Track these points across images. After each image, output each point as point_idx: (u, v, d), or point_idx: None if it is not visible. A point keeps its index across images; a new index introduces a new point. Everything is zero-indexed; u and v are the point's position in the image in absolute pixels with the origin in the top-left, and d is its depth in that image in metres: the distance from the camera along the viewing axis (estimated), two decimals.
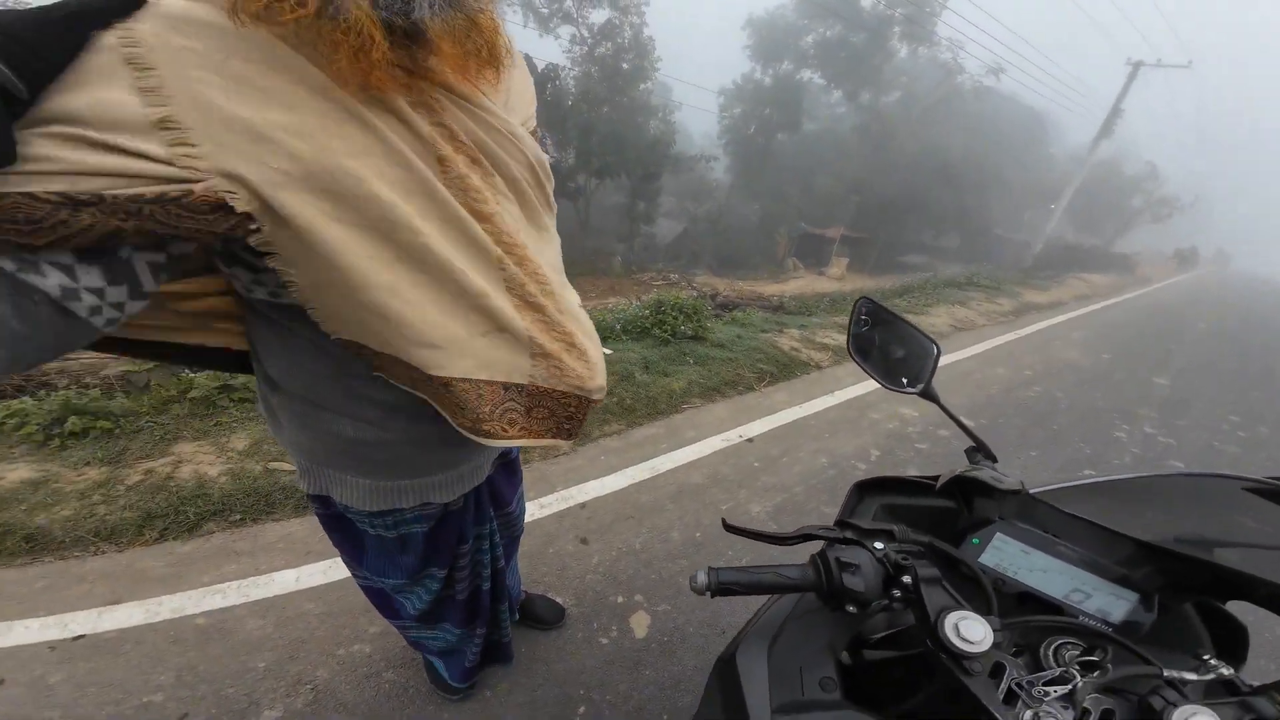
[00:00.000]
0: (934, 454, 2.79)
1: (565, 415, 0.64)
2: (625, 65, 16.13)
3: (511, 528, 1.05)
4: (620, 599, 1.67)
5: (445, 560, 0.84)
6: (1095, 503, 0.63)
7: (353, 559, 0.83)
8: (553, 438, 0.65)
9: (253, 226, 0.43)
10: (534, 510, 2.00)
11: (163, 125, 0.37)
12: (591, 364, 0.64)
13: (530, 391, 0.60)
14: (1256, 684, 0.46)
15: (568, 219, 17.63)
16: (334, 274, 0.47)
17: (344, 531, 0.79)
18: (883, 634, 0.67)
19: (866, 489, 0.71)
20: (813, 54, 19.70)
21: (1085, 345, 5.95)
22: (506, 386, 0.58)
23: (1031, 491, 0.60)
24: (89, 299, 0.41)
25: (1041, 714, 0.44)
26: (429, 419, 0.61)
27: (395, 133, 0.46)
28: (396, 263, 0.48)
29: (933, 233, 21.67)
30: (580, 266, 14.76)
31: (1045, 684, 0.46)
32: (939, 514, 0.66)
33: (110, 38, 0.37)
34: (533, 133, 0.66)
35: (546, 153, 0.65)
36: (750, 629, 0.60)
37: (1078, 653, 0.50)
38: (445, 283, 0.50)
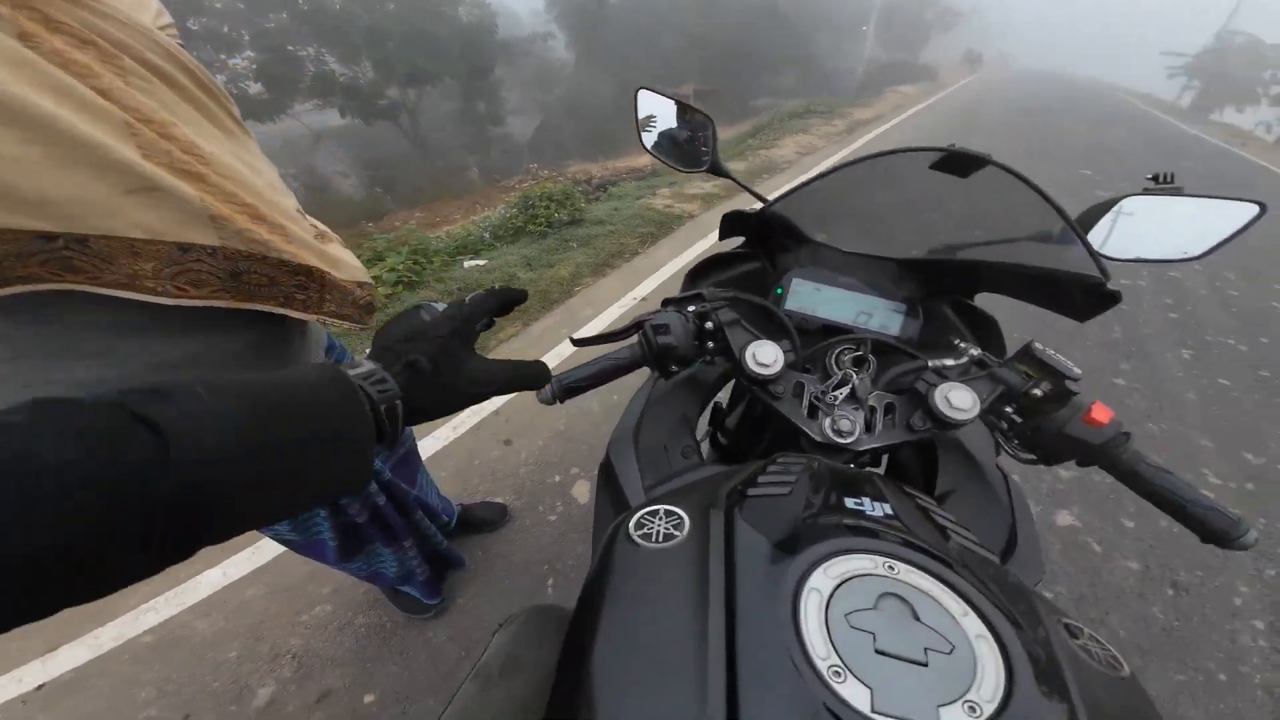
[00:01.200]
0: None
1: (296, 285, 0.61)
2: None
3: (391, 449, 1.03)
4: (557, 478, 1.74)
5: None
6: (833, 208, 0.66)
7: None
8: (282, 307, 0.60)
9: None
10: (447, 434, 1.94)
11: None
12: (307, 249, 0.62)
13: (228, 254, 0.55)
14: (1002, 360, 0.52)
15: (394, 141, 15.06)
16: None
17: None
18: (741, 406, 0.75)
19: (697, 273, 0.76)
20: None
21: (901, 142, 6.70)
22: (184, 247, 0.52)
23: (771, 199, 0.64)
24: None
25: (836, 418, 0.49)
26: (231, 328, 0.56)
27: None
28: None
29: (772, 74, 21.82)
30: (431, 191, 12.99)
31: (834, 389, 0.50)
32: (758, 276, 0.73)
33: None
34: None
35: None
36: (617, 430, 0.63)
37: (850, 358, 0.56)
38: (58, 137, 0.44)
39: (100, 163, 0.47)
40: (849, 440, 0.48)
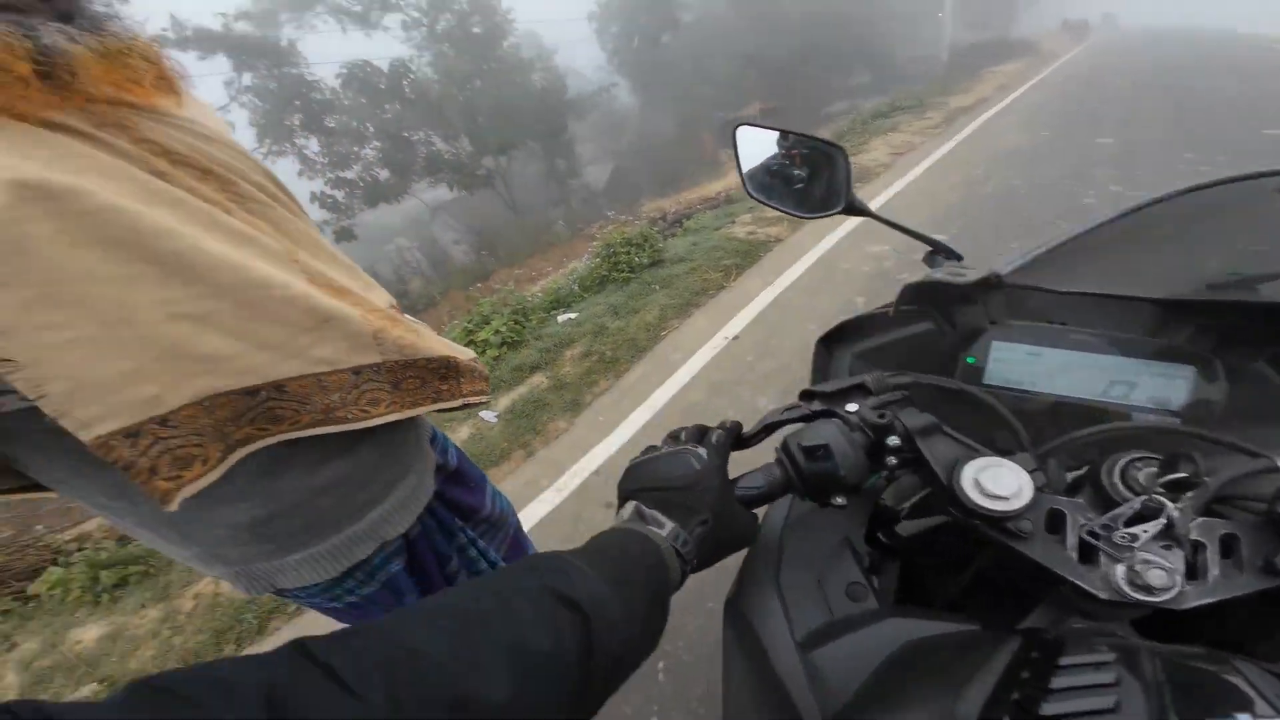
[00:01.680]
0: (914, 279, 2.75)
1: (439, 378, 0.62)
2: (476, 30, 14.77)
3: (500, 529, 0.96)
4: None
5: (439, 583, 0.76)
6: (1088, 267, 0.51)
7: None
8: (434, 402, 0.61)
9: None
10: (552, 498, 1.97)
11: None
12: (431, 337, 0.63)
13: (389, 367, 0.56)
14: None
15: (493, 206, 16.81)
16: (72, 313, 0.38)
17: (340, 612, 0.70)
18: (917, 498, 0.53)
19: (831, 342, 0.62)
20: None
21: (1022, 129, 5.88)
22: (357, 370, 0.53)
23: (1002, 273, 0.48)
24: None
25: (1138, 565, 0.31)
26: (320, 457, 0.55)
27: (95, 150, 0.41)
28: (159, 281, 0.41)
29: (842, 76, 20.94)
30: (527, 248, 14.17)
31: (1127, 524, 0.33)
32: (922, 342, 0.55)
33: None
34: None
35: None
36: (748, 558, 0.49)
37: (1155, 469, 0.36)
38: (238, 286, 0.44)
39: (283, 302, 0.47)
40: (1164, 597, 0.31)
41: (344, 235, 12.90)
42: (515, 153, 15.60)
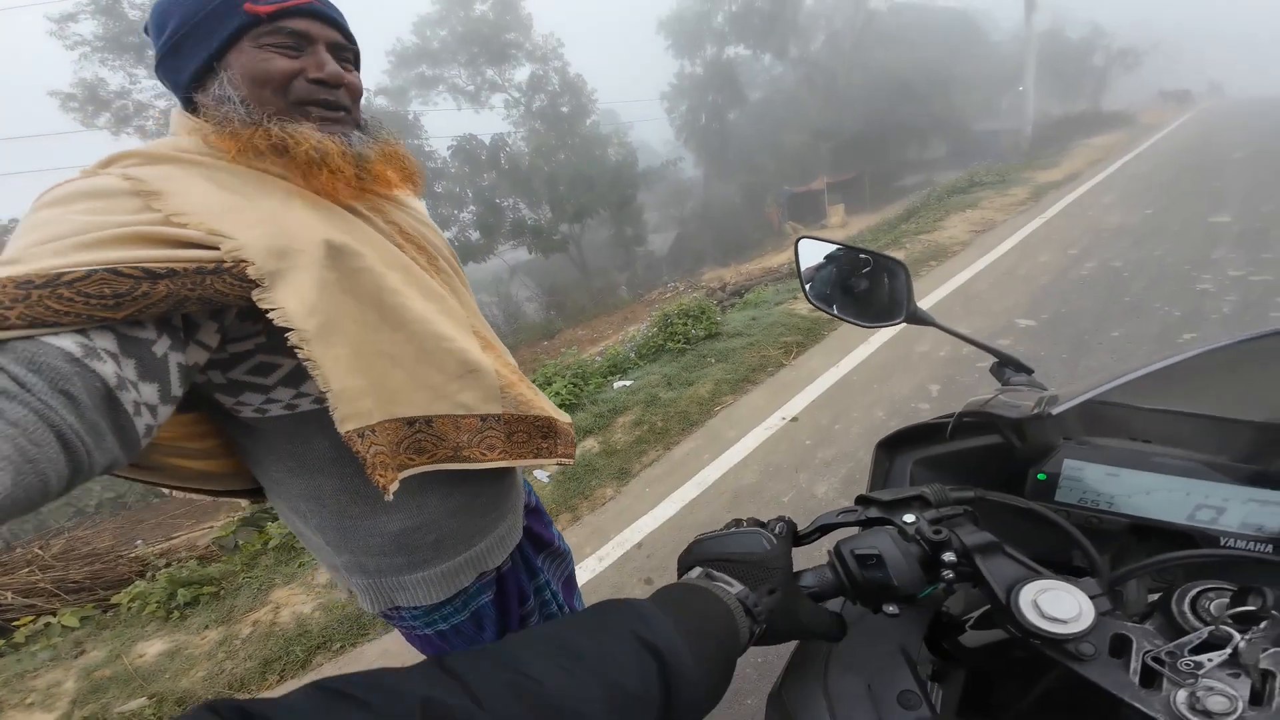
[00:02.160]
0: None
1: (541, 436, 0.72)
2: (564, 109, 16.69)
3: (563, 566, 1.02)
4: None
5: (514, 622, 0.83)
6: (1173, 386, 0.49)
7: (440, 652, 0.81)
8: (534, 457, 0.71)
9: (265, 296, 0.48)
10: (594, 565, 1.92)
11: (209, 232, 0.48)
12: (541, 398, 0.74)
13: (506, 419, 0.67)
14: None
15: (565, 268, 18.01)
16: (345, 344, 0.53)
17: (425, 640, 0.78)
18: (980, 611, 0.51)
19: (893, 447, 0.60)
20: (728, 31, 19.95)
21: (1123, 205, 5.45)
22: (484, 417, 0.64)
23: (1053, 413, 0.46)
24: (131, 392, 0.43)
25: (1199, 691, 0.31)
26: (453, 485, 0.67)
27: (364, 224, 0.59)
28: (380, 327, 0.56)
29: (917, 148, 20.94)
30: (592, 309, 14.91)
31: (1192, 651, 0.33)
32: (993, 452, 0.52)
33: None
34: None
35: None
36: (797, 651, 0.48)
37: (1226, 599, 0.36)
38: (423, 336, 0.59)
39: (448, 353, 0.60)
40: None
41: None
42: (588, 220, 16.85)
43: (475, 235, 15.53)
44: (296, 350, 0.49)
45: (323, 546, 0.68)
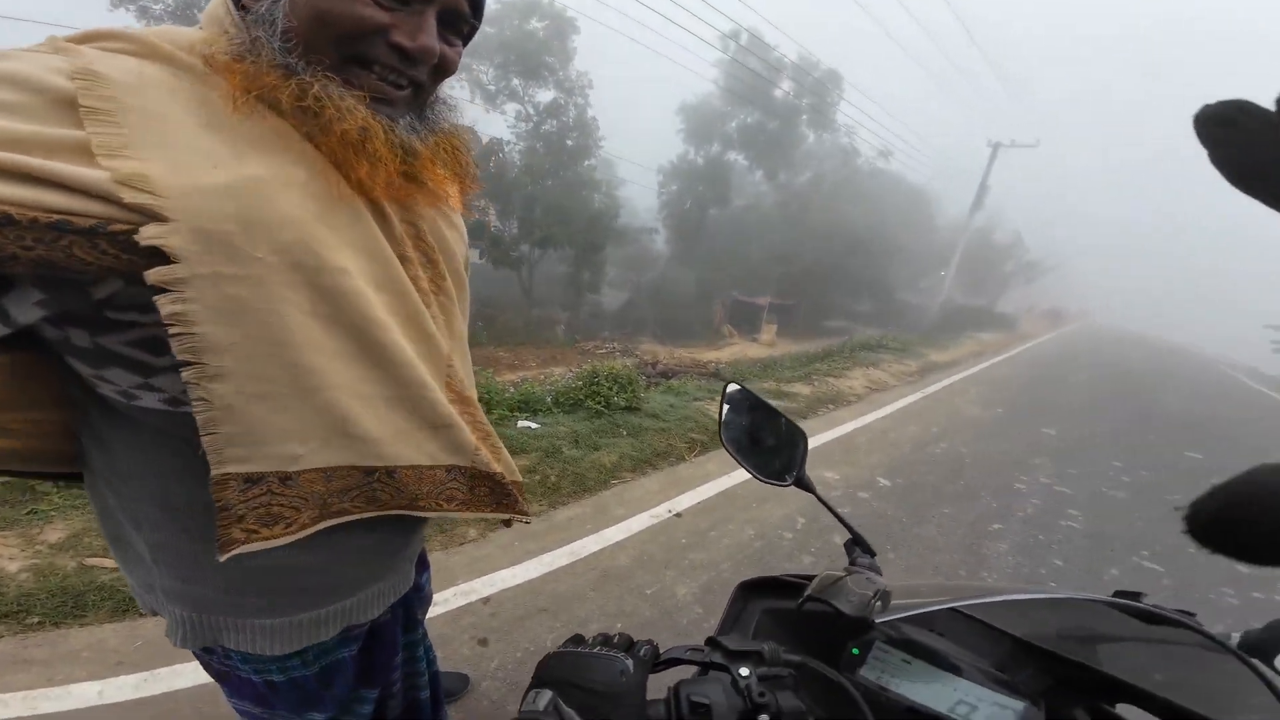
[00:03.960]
0: (856, 517, 2.86)
1: (504, 494, 0.65)
2: (570, 142, 17.23)
3: (426, 607, 0.95)
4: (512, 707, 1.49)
5: (380, 679, 0.72)
6: (963, 621, 0.60)
7: (260, 704, 0.65)
8: (492, 511, 0.65)
9: (177, 300, 0.38)
10: (429, 611, 1.81)
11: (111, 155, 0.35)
12: (504, 458, 0.67)
13: (471, 473, 0.60)
14: None
15: (511, 287, 17.72)
16: (282, 373, 0.42)
17: (243, 681, 0.63)
18: None
19: (751, 591, 0.66)
20: (737, 137, 22.24)
21: (982, 400, 6.59)
22: (449, 469, 0.58)
23: (876, 621, 0.55)
24: None
25: None
26: (365, 527, 0.56)
27: (377, 226, 0.48)
28: (356, 360, 0.47)
29: (849, 298, 23.95)
30: (522, 335, 14.67)
31: None
32: (827, 619, 0.60)
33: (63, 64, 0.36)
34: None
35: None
36: None
37: None
38: (400, 380, 0.50)
39: (420, 401, 0.52)
40: None
41: None
42: (551, 250, 17.00)
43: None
44: (188, 388, 0.40)
45: (144, 561, 0.54)
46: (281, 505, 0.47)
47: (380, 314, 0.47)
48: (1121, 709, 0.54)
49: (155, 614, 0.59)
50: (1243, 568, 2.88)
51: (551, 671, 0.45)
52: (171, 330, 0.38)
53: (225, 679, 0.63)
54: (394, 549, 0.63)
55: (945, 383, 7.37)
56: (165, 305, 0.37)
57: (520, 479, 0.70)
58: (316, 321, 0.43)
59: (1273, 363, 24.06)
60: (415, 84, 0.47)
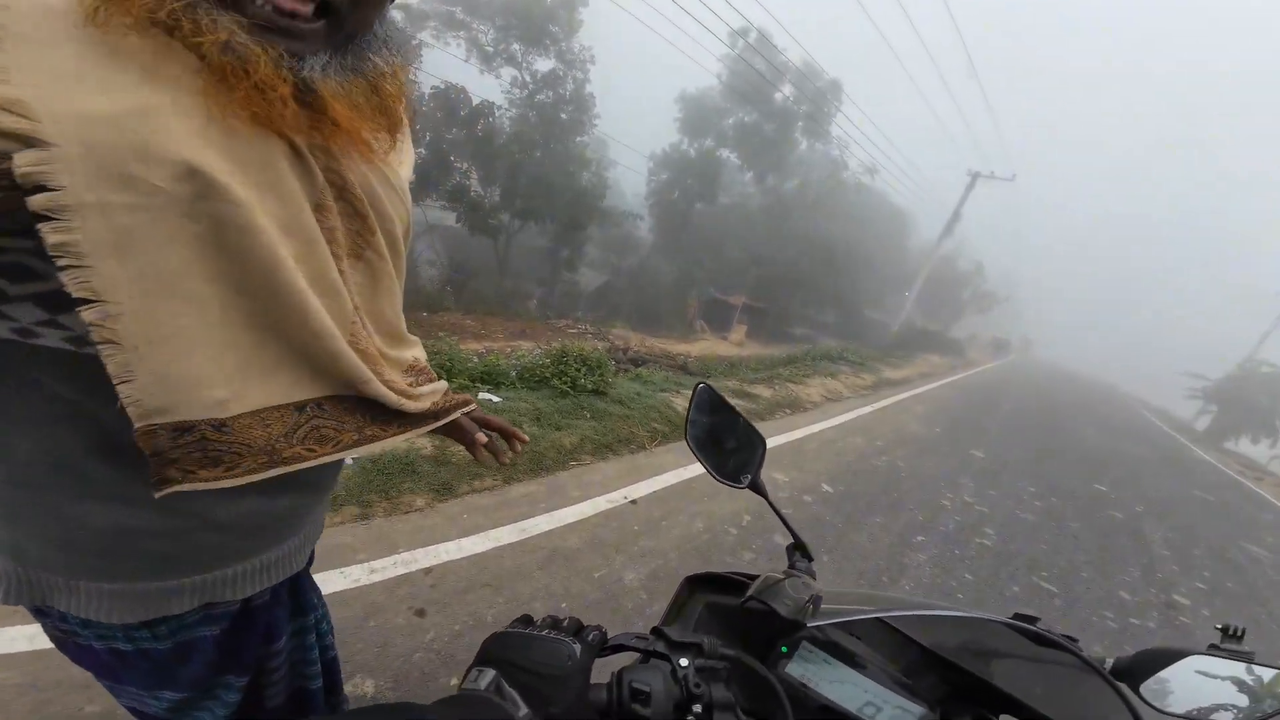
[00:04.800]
0: (798, 520, 3.02)
1: (432, 415, 0.64)
2: (564, 116, 16.72)
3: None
4: (454, 681, 1.50)
5: (246, 667, 0.66)
6: (880, 628, 0.65)
7: (106, 676, 0.59)
8: (433, 422, 0.64)
9: (61, 229, 0.35)
10: (359, 575, 1.77)
11: None
12: (402, 390, 0.62)
13: (333, 400, 0.54)
14: None
15: (486, 255, 17.22)
16: (186, 310, 0.41)
17: (83, 649, 0.57)
18: None
19: (696, 585, 0.69)
20: (732, 135, 22.21)
21: (924, 418, 7.00)
22: (299, 407, 0.51)
23: (808, 624, 0.58)
24: None
25: None
26: (228, 495, 0.50)
27: (293, 170, 0.45)
28: (255, 295, 0.44)
29: (817, 308, 24.67)
30: (492, 304, 14.36)
31: None
32: (763, 617, 0.62)
33: None
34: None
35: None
36: None
37: None
38: (298, 322, 0.47)
39: (318, 339, 0.49)
40: None
41: None
42: (532, 223, 16.60)
43: (410, 178, 14.41)
44: (92, 331, 0.38)
45: None
46: (220, 452, 0.45)
47: (283, 256, 0.44)
48: (1003, 719, 0.61)
49: None
50: (1125, 594, 3.26)
51: (497, 651, 0.45)
52: (61, 263, 0.36)
53: (63, 645, 0.57)
54: (270, 523, 0.58)
55: (895, 399, 7.79)
56: (50, 234, 0.35)
57: (471, 403, 0.71)
58: (218, 256, 0.41)
59: (1183, 406, 26.37)
60: (326, 8, 0.43)
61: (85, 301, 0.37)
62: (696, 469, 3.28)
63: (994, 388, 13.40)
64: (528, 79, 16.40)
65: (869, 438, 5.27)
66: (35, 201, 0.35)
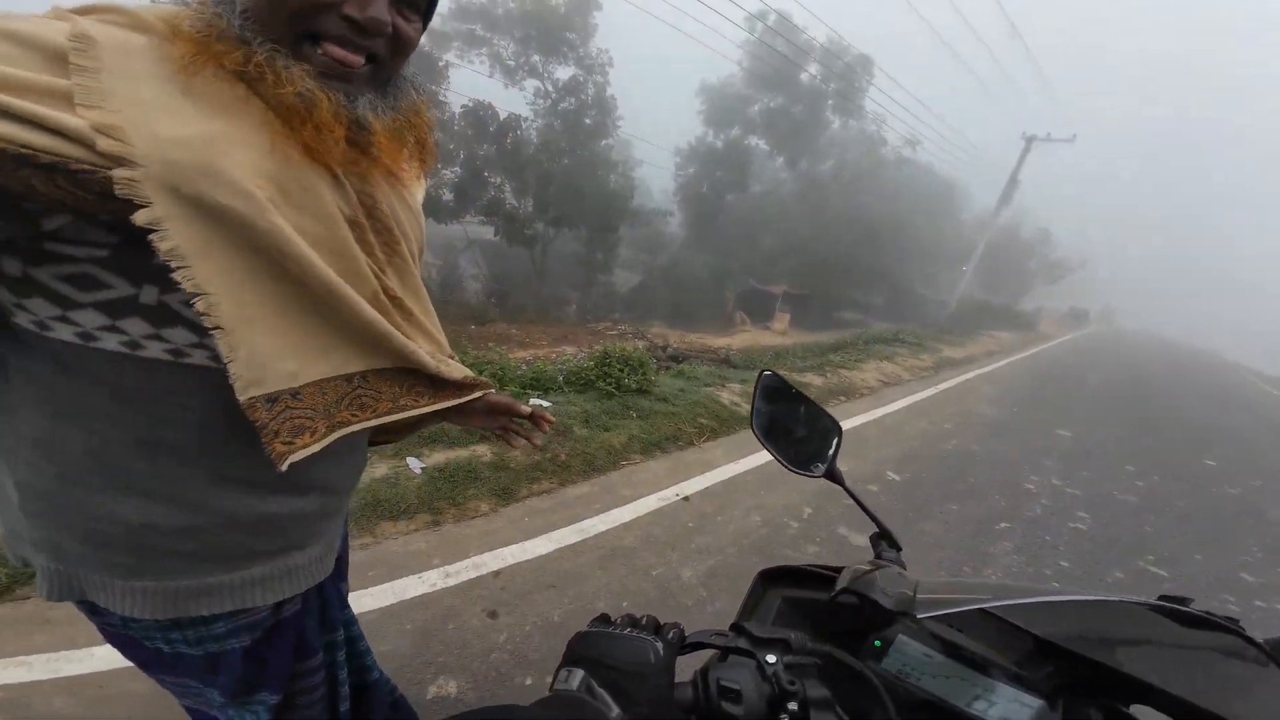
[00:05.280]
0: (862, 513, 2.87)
1: (463, 386, 0.68)
2: (588, 121, 16.98)
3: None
4: (529, 680, 1.53)
5: (278, 683, 0.66)
6: (983, 618, 0.60)
7: (154, 671, 0.64)
8: (456, 396, 0.68)
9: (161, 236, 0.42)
10: (435, 580, 1.85)
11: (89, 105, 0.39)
12: (459, 367, 0.69)
13: (376, 374, 0.60)
14: None
15: (524, 265, 17.73)
16: (257, 299, 0.48)
17: (129, 643, 0.60)
18: None
19: (770, 580, 0.67)
20: (759, 122, 21.66)
21: (996, 399, 6.49)
22: (349, 379, 0.56)
23: (918, 616, 0.55)
24: None
25: None
26: (253, 492, 0.56)
27: (331, 192, 0.51)
28: (301, 287, 0.50)
29: (864, 291, 23.54)
30: (533, 313, 14.74)
31: None
32: (848, 610, 0.59)
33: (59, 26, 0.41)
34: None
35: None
36: None
37: None
38: (350, 308, 0.53)
39: (355, 318, 0.55)
40: None
41: None
42: (566, 229, 16.91)
43: (448, 196, 14.99)
44: (204, 319, 0.44)
45: (12, 505, 0.53)
46: (301, 418, 0.51)
47: (316, 258, 0.49)
48: (1135, 709, 0.54)
49: (26, 564, 0.58)
50: (1248, 576, 2.88)
51: (582, 650, 0.46)
52: (173, 265, 0.42)
53: (113, 639, 0.61)
54: (293, 524, 0.60)
55: (960, 379, 7.27)
56: (161, 243, 0.41)
57: (490, 384, 0.74)
58: (270, 259, 0.47)
59: None
60: (372, 57, 0.50)
61: (189, 295, 0.44)
62: (748, 464, 3.21)
63: (1075, 362, 12.24)
64: (550, 88, 16.76)
65: (934, 421, 4.96)
66: (140, 216, 0.41)
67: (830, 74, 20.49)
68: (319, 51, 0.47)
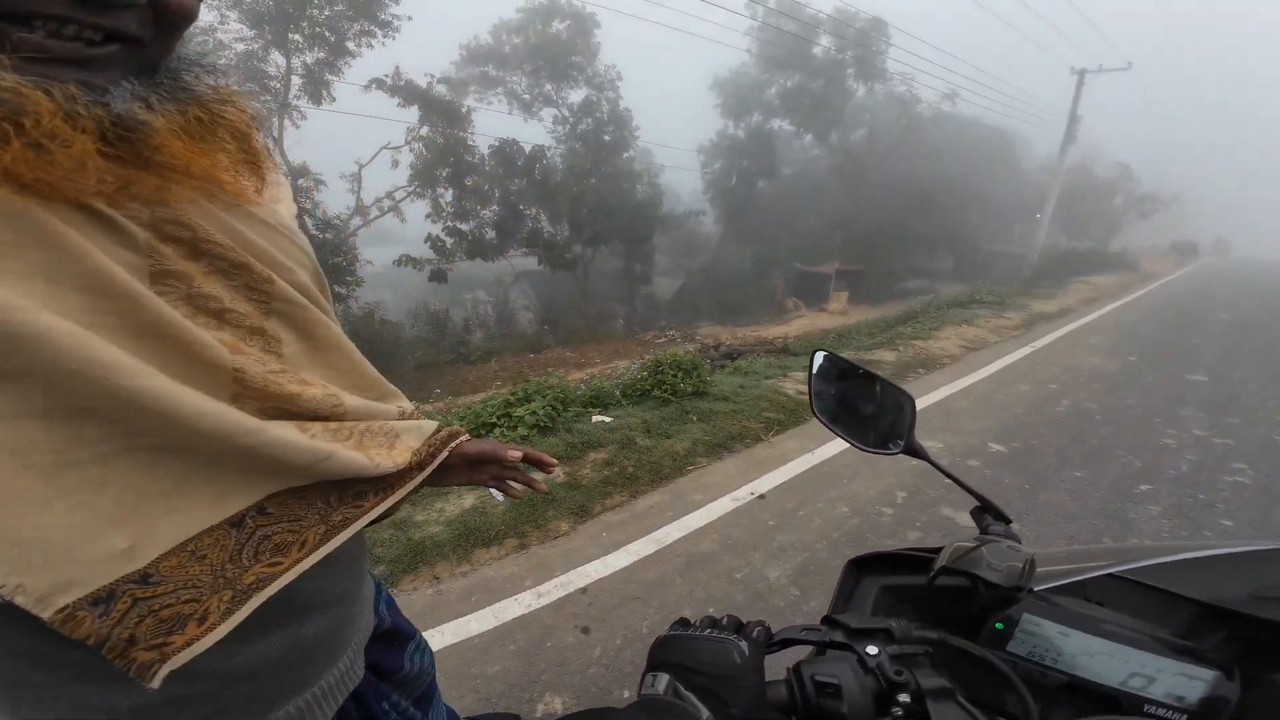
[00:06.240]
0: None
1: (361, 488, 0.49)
2: (607, 138, 17.39)
3: (412, 689, 0.77)
4: (626, 693, 1.52)
5: None
6: (1126, 588, 0.52)
7: None
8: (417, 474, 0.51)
9: None
10: (530, 601, 1.88)
11: None
12: (385, 450, 0.50)
13: (276, 499, 0.43)
14: None
15: (567, 287, 18.24)
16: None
17: None
18: None
19: (864, 567, 0.62)
20: (778, 104, 21.07)
21: (1106, 349, 5.75)
22: (234, 522, 0.40)
23: (1037, 590, 0.49)
24: None
25: None
26: (282, 619, 0.44)
27: (88, 239, 0.32)
28: (123, 413, 0.33)
29: (925, 256, 21.96)
30: (584, 333, 15.05)
31: None
32: (958, 592, 0.53)
33: None
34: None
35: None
36: None
37: None
38: (168, 430, 0.35)
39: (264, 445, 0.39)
40: None
41: (437, 277, 14.31)
42: (602, 247, 17.24)
43: (491, 235, 15.79)
44: None
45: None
46: (169, 605, 0.35)
47: (117, 357, 0.32)
48: None
49: None
50: None
51: (663, 655, 0.45)
52: None
53: None
54: (309, 651, 0.48)
55: (1059, 333, 6.50)
56: None
57: (457, 430, 0.57)
58: (20, 386, 0.30)
59: None
60: (117, 36, 0.33)
61: None
62: (824, 453, 2.99)
63: (1192, 300, 10.59)
64: (566, 113, 17.30)
65: (1037, 383, 4.43)
66: None
67: (845, 43, 19.58)
68: (23, 38, 0.30)
